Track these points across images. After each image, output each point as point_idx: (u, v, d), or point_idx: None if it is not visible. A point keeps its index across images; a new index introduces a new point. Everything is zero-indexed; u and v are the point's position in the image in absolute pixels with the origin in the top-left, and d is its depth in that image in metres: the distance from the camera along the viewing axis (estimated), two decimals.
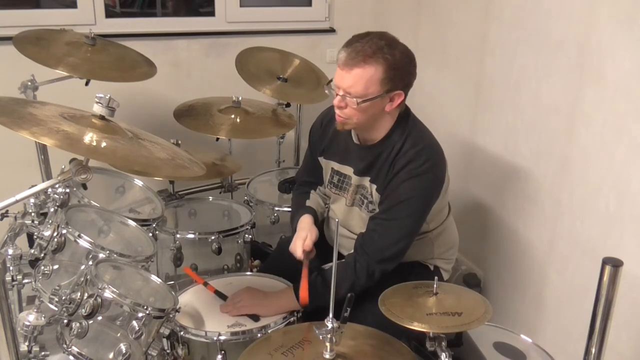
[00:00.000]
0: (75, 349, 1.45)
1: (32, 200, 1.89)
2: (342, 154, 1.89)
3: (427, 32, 3.01)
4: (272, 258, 2.22)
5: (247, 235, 2.30)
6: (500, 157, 2.48)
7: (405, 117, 1.79)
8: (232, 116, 2.58)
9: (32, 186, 1.41)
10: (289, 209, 2.25)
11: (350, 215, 1.90)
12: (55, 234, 1.60)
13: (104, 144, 1.33)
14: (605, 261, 1.24)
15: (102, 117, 1.43)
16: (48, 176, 2.49)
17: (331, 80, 1.74)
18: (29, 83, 2.34)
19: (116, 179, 2.24)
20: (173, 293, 1.66)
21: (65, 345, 1.47)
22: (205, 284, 1.88)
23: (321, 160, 1.97)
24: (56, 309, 1.53)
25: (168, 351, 1.65)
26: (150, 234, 1.95)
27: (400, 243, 1.76)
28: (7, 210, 1.82)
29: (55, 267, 1.62)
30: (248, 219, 2.36)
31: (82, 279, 1.50)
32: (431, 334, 1.42)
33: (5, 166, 2.80)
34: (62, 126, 1.32)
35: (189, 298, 1.84)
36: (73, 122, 1.38)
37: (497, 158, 2.50)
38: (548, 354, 1.68)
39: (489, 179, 2.58)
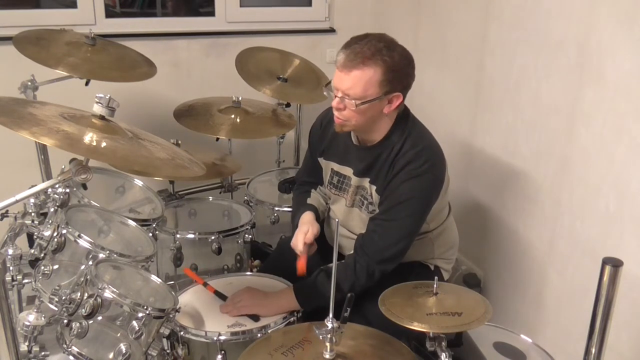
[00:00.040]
0: (75, 349, 1.45)
1: (32, 200, 1.89)
2: (341, 155, 1.89)
3: (427, 32, 3.01)
4: (272, 258, 2.22)
5: (247, 235, 2.30)
6: (500, 157, 2.48)
7: (405, 117, 1.79)
8: (232, 116, 2.58)
9: (32, 186, 1.41)
10: (289, 209, 2.25)
11: (350, 216, 1.90)
12: (55, 234, 1.60)
13: (104, 144, 1.33)
14: (605, 261, 1.24)
15: (102, 117, 1.43)
16: (48, 176, 2.49)
17: (330, 82, 1.74)
18: (29, 83, 2.34)
19: (116, 179, 2.24)
20: (173, 293, 1.66)
21: (65, 345, 1.47)
22: (205, 285, 1.88)
23: (321, 161, 1.97)
24: (56, 309, 1.53)
25: (168, 351, 1.65)
26: (150, 234, 1.95)
27: (400, 243, 1.76)
28: (7, 210, 1.83)
29: (55, 267, 1.62)
30: (248, 219, 2.36)
31: (82, 279, 1.50)
32: (431, 334, 1.42)
33: (5, 166, 2.80)
34: (62, 126, 1.32)
35: (189, 298, 1.84)
36: (73, 122, 1.38)
37: (497, 158, 2.50)
38: (548, 354, 1.67)
39: (489, 179, 2.58)
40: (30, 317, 1.51)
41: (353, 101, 1.65)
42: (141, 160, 1.39)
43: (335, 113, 1.73)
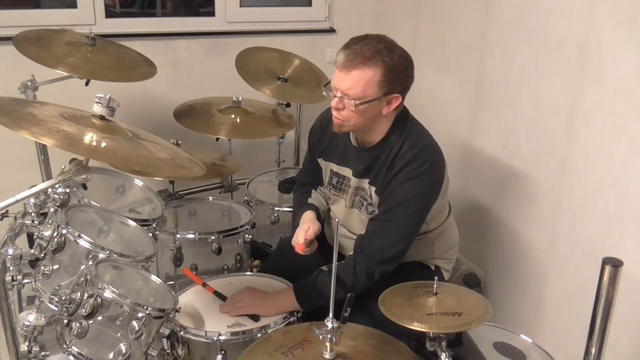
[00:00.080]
0: (75, 349, 1.45)
1: (32, 200, 1.89)
2: (340, 156, 1.89)
3: (427, 32, 3.01)
4: (272, 258, 2.22)
5: (247, 235, 2.30)
6: (500, 157, 2.48)
7: (404, 118, 1.79)
8: (232, 116, 2.58)
9: (32, 186, 1.41)
10: (289, 209, 2.25)
11: (350, 216, 1.90)
12: (55, 234, 1.60)
13: (104, 144, 1.33)
14: (605, 261, 1.24)
15: (102, 117, 1.43)
16: (48, 176, 2.49)
17: (329, 82, 1.74)
18: (29, 83, 2.34)
19: (116, 179, 2.24)
20: (173, 293, 1.66)
21: (65, 345, 1.46)
22: (204, 285, 1.88)
23: (320, 161, 1.97)
24: (56, 309, 1.53)
25: (168, 351, 1.65)
26: (150, 234, 1.95)
27: (400, 244, 1.76)
28: (7, 210, 1.82)
29: (55, 267, 1.61)
30: (248, 219, 2.36)
31: (82, 279, 1.50)
32: (431, 334, 1.42)
33: (5, 166, 2.80)
34: (62, 126, 1.32)
35: (189, 298, 1.84)
36: (73, 122, 1.38)
37: (497, 158, 2.50)
38: (548, 354, 1.67)
39: (488, 179, 2.58)
40: (30, 317, 1.51)
41: (352, 101, 1.65)
42: (141, 160, 1.39)
43: (334, 113, 1.73)
